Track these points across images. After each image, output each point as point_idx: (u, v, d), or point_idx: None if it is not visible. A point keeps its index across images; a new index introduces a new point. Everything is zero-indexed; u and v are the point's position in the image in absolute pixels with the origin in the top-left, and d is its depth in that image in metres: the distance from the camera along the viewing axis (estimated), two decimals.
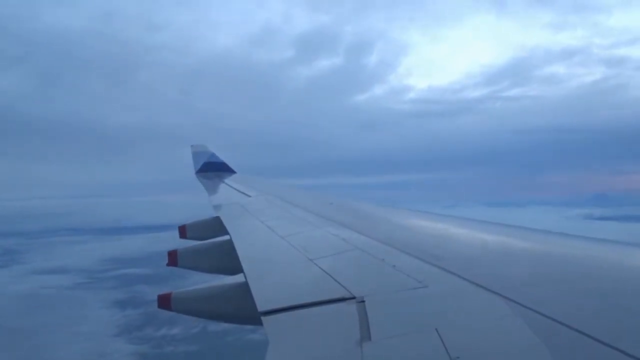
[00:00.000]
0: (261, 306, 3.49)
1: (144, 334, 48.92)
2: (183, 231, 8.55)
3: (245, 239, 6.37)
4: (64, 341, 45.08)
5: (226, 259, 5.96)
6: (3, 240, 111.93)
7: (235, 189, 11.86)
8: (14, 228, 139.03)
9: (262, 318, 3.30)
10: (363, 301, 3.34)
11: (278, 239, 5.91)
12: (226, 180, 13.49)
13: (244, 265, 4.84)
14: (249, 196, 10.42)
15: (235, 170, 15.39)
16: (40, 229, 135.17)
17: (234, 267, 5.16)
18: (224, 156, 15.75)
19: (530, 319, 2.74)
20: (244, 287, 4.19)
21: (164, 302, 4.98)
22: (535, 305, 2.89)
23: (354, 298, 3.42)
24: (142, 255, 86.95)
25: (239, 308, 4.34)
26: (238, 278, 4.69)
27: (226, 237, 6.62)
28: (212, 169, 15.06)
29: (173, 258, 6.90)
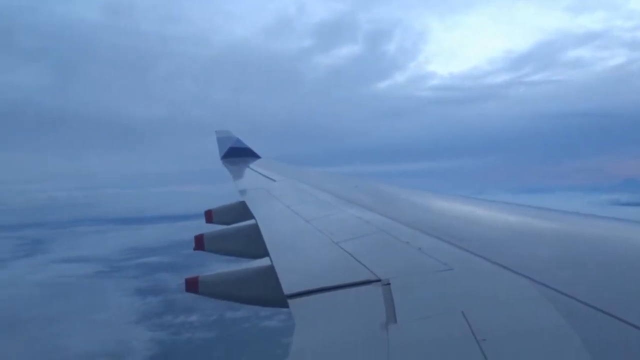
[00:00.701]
0: (287, 289, 3.50)
1: (163, 320, 49.77)
2: (209, 216, 8.58)
3: (271, 222, 6.40)
4: (84, 328, 46.02)
5: (252, 243, 5.98)
6: (29, 231, 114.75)
7: (260, 173, 11.85)
8: (38, 219, 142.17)
9: (289, 301, 3.31)
10: (388, 284, 3.32)
11: (303, 223, 5.92)
12: (251, 165, 13.46)
13: (270, 248, 4.87)
14: (274, 180, 10.43)
15: (260, 155, 15.36)
16: (64, 220, 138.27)
17: (260, 250, 5.20)
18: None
19: (558, 301, 2.69)
20: (270, 271, 4.23)
21: (192, 285, 4.95)
22: (562, 287, 2.85)
23: (379, 281, 3.41)
24: (163, 244, 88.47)
25: (265, 291, 4.33)
26: (264, 262, 4.69)
27: (252, 222, 6.66)
28: (237, 154, 15.09)
29: (200, 242, 6.91)
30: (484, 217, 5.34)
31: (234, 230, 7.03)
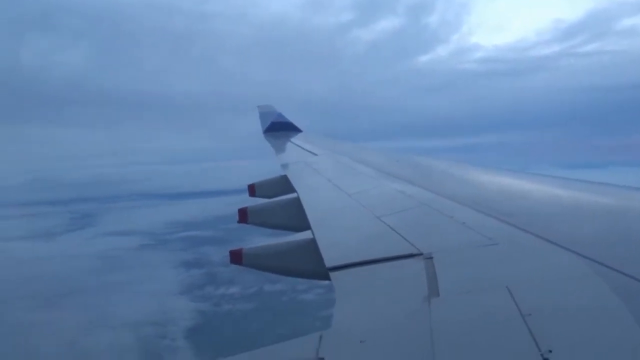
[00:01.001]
0: (329, 262, 3.57)
1: (205, 292, 51.06)
2: (252, 190, 8.72)
3: (312, 196, 6.45)
4: (130, 298, 47.74)
5: (294, 216, 6.05)
6: (81, 205, 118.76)
7: (301, 147, 11.89)
8: (89, 193, 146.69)
9: (330, 273, 3.38)
10: (431, 257, 3.29)
11: (345, 197, 5.96)
12: (293, 139, 13.55)
13: (312, 222, 4.94)
14: (316, 154, 10.43)
15: (301, 129, 15.47)
16: (112, 195, 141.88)
17: (302, 224, 5.27)
18: None
19: (608, 277, 2.61)
20: (312, 244, 4.31)
21: (236, 257, 5.09)
22: (613, 263, 2.77)
23: (421, 254, 3.39)
24: (207, 218, 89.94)
25: (307, 264, 4.39)
26: (306, 235, 4.76)
27: (294, 195, 6.74)
28: (279, 129, 15.17)
29: (243, 215, 7.00)
30: (530, 191, 5.19)
31: (276, 203, 7.11)
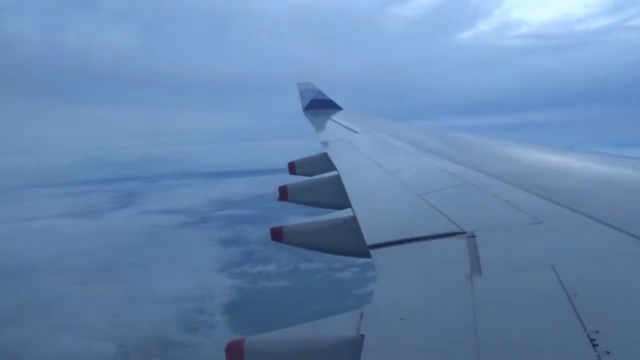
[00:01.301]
0: (370, 240, 3.55)
1: (242, 270, 52.26)
2: (292, 167, 8.68)
3: (353, 174, 6.39)
4: (170, 274, 49.27)
5: (334, 194, 6.02)
6: (126, 184, 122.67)
7: (342, 125, 11.73)
8: (135, 172, 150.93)
9: (371, 251, 3.36)
10: (473, 236, 3.25)
11: (385, 174, 5.87)
12: (333, 117, 13.36)
13: (352, 199, 4.91)
14: (356, 132, 10.31)
15: (342, 107, 15.21)
16: (159, 173, 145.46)
17: (342, 201, 5.26)
18: None
19: None
20: (352, 221, 4.27)
21: (277, 235, 5.11)
22: None
23: (463, 233, 3.35)
24: (246, 197, 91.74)
25: (347, 241, 4.37)
26: (346, 212, 4.74)
27: (334, 173, 6.72)
28: (319, 106, 14.90)
29: (284, 193, 6.99)
30: (577, 169, 5.02)
31: (317, 181, 7.07)
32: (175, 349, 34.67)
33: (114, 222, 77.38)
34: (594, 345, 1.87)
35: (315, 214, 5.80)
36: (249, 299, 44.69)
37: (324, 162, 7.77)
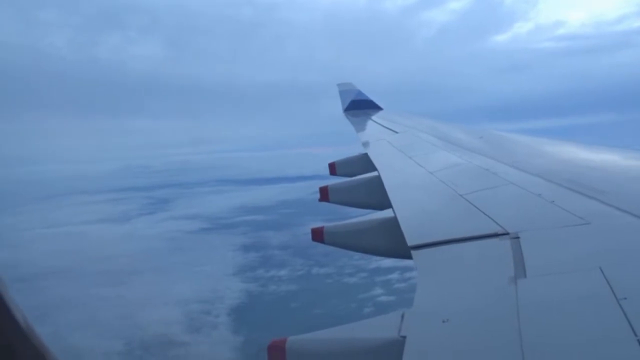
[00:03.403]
0: (411, 240, 3.50)
1: (256, 274, 53.31)
2: (333, 168, 8.71)
3: (393, 174, 6.32)
4: (186, 278, 50.88)
5: (374, 195, 5.98)
6: (160, 191, 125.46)
7: (382, 125, 11.65)
8: (173, 180, 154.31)
9: (412, 252, 3.32)
10: (518, 237, 3.17)
11: (426, 174, 5.77)
12: (373, 117, 13.28)
13: (392, 200, 4.85)
14: (396, 132, 10.21)
15: (382, 107, 15.18)
16: (193, 181, 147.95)
17: (382, 202, 5.23)
18: None
19: None
20: (393, 222, 4.20)
21: (317, 235, 5.09)
22: None
23: (507, 234, 3.26)
24: (275, 203, 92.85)
25: (388, 242, 4.34)
26: (387, 213, 4.70)
27: (374, 173, 6.63)
28: (359, 107, 14.85)
29: (325, 193, 6.99)
30: (626, 168, 4.90)
31: (357, 182, 7.01)
32: (176, 347, 36.09)
33: (136, 228, 79.47)
34: None
35: (353, 216, 5.83)
36: (256, 301, 45.81)
37: (364, 163, 7.78)
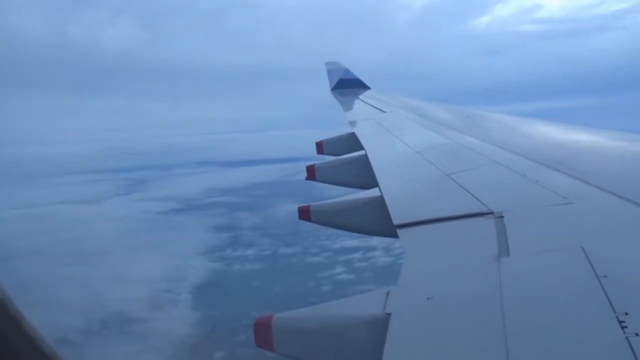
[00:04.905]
0: (397, 219, 3.55)
1: (224, 254, 54.08)
2: (320, 147, 8.72)
3: (380, 153, 6.33)
4: (155, 258, 51.38)
5: (361, 174, 6.00)
6: (139, 173, 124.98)
7: (369, 104, 11.60)
8: (153, 161, 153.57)
9: (398, 230, 3.36)
10: (502, 216, 3.19)
11: (413, 154, 5.79)
12: (361, 97, 13.26)
13: (379, 179, 4.88)
14: (384, 111, 10.17)
15: (369, 86, 15.11)
16: (175, 163, 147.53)
17: (369, 181, 5.25)
18: None
19: None
20: (379, 201, 4.23)
21: (304, 214, 5.09)
22: None
23: (492, 213, 3.30)
24: (249, 185, 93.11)
25: (374, 221, 4.35)
26: (373, 192, 4.70)
27: (361, 152, 6.65)
28: (347, 86, 14.77)
29: (311, 172, 7.00)
30: (609, 149, 4.97)
31: (344, 161, 7.02)
32: (134, 323, 36.97)
33: (109, 209, 79.57)
34: (623, 327, 1.85)
35: (330, 197, 5.78)
36: (219, 280, 46.60)
37: (351, 142, 7.79)
